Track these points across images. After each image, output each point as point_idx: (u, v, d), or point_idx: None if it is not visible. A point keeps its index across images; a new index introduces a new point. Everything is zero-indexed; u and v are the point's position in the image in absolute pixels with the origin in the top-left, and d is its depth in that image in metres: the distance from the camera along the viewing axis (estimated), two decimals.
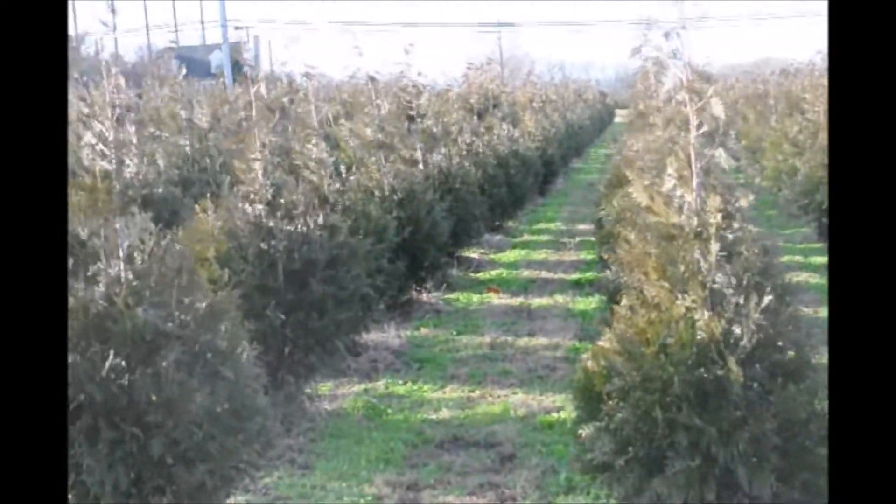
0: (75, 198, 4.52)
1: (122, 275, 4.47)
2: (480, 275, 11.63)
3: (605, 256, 8.62)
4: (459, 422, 6.46)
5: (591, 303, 9.94)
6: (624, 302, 4.45)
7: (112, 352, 4.28)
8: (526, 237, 14.74)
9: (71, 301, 4.38)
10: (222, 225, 6.04)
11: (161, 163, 10.77)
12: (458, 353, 8.18)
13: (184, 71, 13.64)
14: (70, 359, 4.21)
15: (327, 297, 6.06)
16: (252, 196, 6.25)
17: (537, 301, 10.19)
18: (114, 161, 4.58)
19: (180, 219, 9.90)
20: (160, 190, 10.07)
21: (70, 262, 4.55)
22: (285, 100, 15.16)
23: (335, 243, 6.20)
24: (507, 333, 8.81)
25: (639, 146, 9.15)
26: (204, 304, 4.57)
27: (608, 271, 8.95)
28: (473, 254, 12.61)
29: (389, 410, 6.66)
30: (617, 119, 50.65)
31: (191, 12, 56.56)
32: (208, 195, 6.55)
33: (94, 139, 4.60)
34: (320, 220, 6.21)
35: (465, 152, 12.61)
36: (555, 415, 6.51)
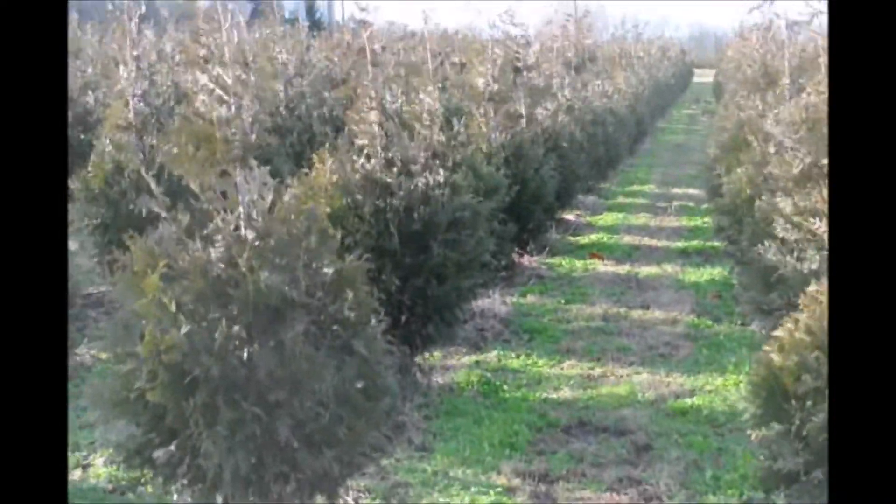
0: (189, 147, 4.02)
1: (244, 234, 3.99)
2: (579, 238, 11.04)
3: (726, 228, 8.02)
4: (583, 403, 5.92)
5: (702, 274, 9.31)
6: (813, 287, 3.85)
7: (232, 320, 3.83)
8: (620, 199, 14.08)
9: (186, 261, 3.92)
10: (337, 180, 5.51)
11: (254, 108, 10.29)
12: (569, 325, 7.63)
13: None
14: (185, 327, 3.76)
15: (448, 263, 5.52)
16: (367, 149, 5.72)
17: (645, 270, 9.58)
18: (232, 107, 4.05)
19: (280, 170, 9.46)
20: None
21: (185, 219, 4.08)
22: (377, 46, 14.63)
23: (457, 204, 5.65)
24: (619, 304, 8.23)
25: (764, 109, 8.46)
26: (331, 270, 4.07)
27: (727, 243, 8.38)
28: (569, 216, 12.02)
29: (505, 387, 6.13)
30: (696, 79, 49.33)
31: None
32: (326, 146, 6.04)
33: (210, 83, 4.08)
34: (440, 178, 5.66)
35: (564, 108, 11.97)
36: (687, 400, 5.94)
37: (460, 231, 5.63)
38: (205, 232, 4.04)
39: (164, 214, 4.13)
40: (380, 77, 6.10)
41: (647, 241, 11.08)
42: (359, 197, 5.45)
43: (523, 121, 10.06)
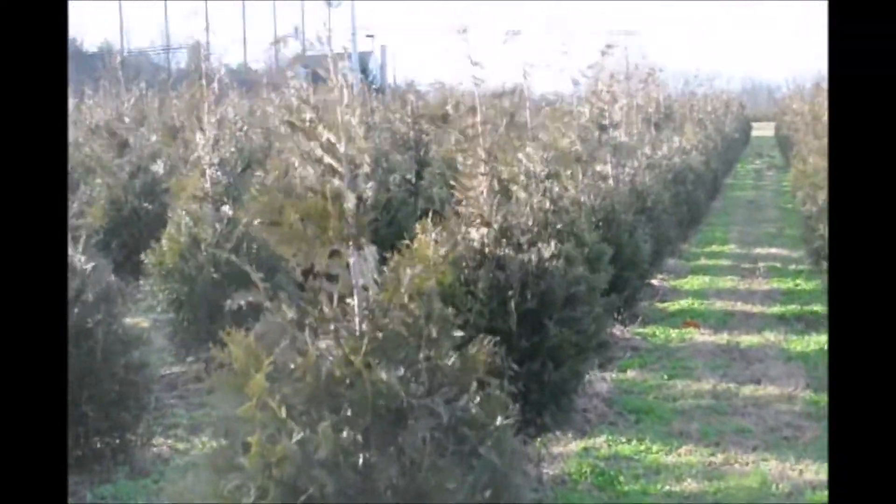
0: (297, 224, 3.56)
1: (358, 324, 3.51)
2: (668, 305, 10.45)
3: None
4: (711, 497, 5.33)
5: (808, 343, 8.68)
6: None
7: (347, 425, 3.34)
8: (703, 261, 13.46)
9: (298, 360, 3.44)
10: (446, 253, 5.03)
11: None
12: (676, 403, 7.04)
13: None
14: (295, 436, 3.28)
15: (565, 344, 5.00)
16: (476, 218, 5.24)
17: (745, 339, 8.97)
18: (346, 178, 3.59)
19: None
20: None
21: (292, 311, 3.61)
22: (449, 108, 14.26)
23: (572, 277, 5.14)
24: (726, 379, 7.63)
25: None
26: (452, 361, 3.57)
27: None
28: (654, 280, 11.43)
29: (622, 478, 5.56)
30: (754, 132, 48.60)
31: (318, 21, 56.41)
32: (429, 215, 5.57)
33: (319, 150, 3.62)
34: (552, 248, 5.16)
35: (645, 167, 11.46)
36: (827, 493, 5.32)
37: (576, 307, 5.12)
38: (311, 322, 3.57)
39: (267, 305, 3.65)
40: (480, 140, 5.65)
41: (740, 306, 10.46)
42: (469, 272, 4.96)
43: (610, 181, 9.58)
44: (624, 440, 6.21)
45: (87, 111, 18.78)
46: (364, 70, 46.34)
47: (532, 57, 7.40)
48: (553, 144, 8.91)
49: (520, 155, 6.45)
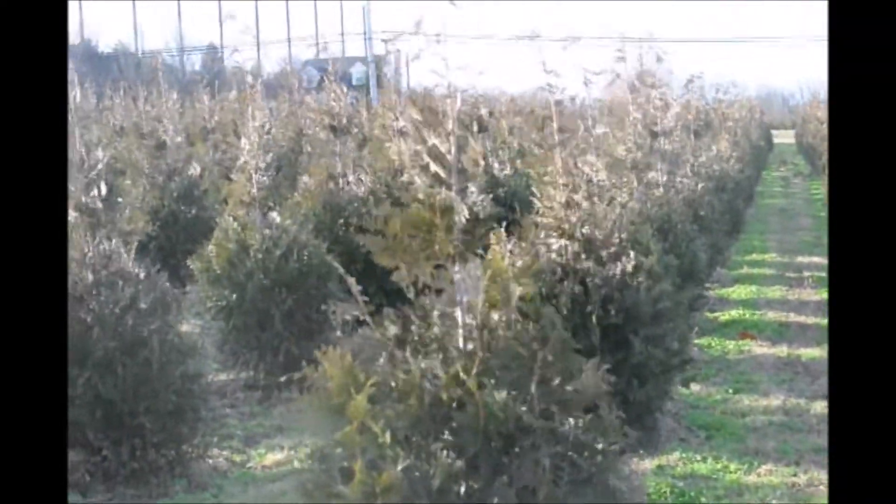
0: (402, 236, 3.32)
1: (462, 342, 3.28)
2: (718, 315, 10.18)
3: None
4: None
5: None
6: None
7: (456, 451, 3.11)
8: (745, 270, 13.18)
9: (401, 379, 3.21)
10: (524, 265, 4.78)
11: (366, 179, 9.63)
12: (746, 419, 6.77)
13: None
14: (402, 462, 3.06)
15: (651, 361, 4.75)
16: (556, 229, 5.00)
17: (806, 352, 8.69)
18: (454, 189, 3.35)
19: None
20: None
21: (395, 327, 3.37)
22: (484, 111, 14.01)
23: (657, 293, 4.90)
24: (793, 394, 7.35)
25: None
26: (570, 387, 3.33)
27: None
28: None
29: (703, 500, 5.30)
30: (776, 140, 48.21)
31: (333, 24, 56.36)
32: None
33: (426, 157, 3.38)
34: (637, 262, 4.92)
35: (690, 174, 11.20)
36: None
37: (662, 324, 4.87)
38: (418, 338, 3.34)
39: (367, 320, 3.41)
40: (558, 149, 5.41)
41: (794, 317, 10.19)
42: (550, 285, 4.72)
43: (661, 190, 9.34)
44: (699, 458, 5.94)
45: (108, 112, 18.63)
46: (378, 75, 46.04)
47: (590, 63, 7.15)
48: (609, 152, 8.68)
49: (580, 163, 6.22)
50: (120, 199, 6.06)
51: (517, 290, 3.28)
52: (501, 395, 3.05)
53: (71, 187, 5.76)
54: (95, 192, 5.83)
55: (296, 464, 6.00)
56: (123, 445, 5.55)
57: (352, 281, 3.40)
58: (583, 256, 4.93)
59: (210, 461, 5.93)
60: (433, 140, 3.33)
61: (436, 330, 3.27)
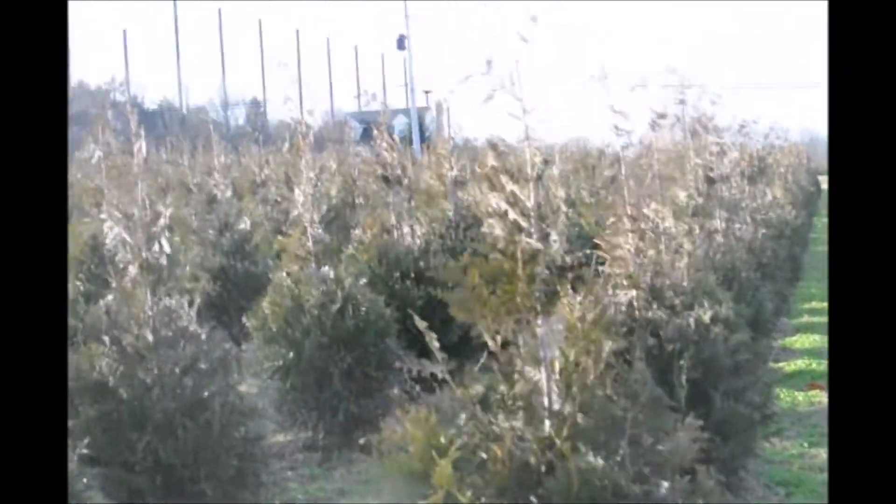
0: (481, 287, 3.17)
1: (548, 401, 3.12)
2: (783, 365, 9.89)
3: None
4: None
5: None
6: None
7: None
8: (806, 318, 12.85)
9: (489, 444, 3.04)
10: (594, 318, 4.60)
11: (419, 230, 9.50)
12: (824, 474, 6.49)
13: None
14: None
15: (733, 416, 4.54)
16: (624, 279, 4.82)
17: None
18: (534, 236, 3.20)
19: None
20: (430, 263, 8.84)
21: (480, 385, 3.21)
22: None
23: (735, 343, 4.69)
24: None
25: None
26: (663, 447, 3.14)
27: None
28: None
29: None
30: (823, 185, 47.60)
31: (374, 77, 56.77)
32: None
33: (503, 204, 3.24)
34: (714, 312, 4.72)
35: (749, 221, 10.96)
36: None
37: (741, 376, 4.66)
38: (506, 398, 3.17)
39: (447, 378, 3.26)
40: (625, 193, 5.24)
41: None
42: (622, 339, 4.52)
43: (720, 237, 9.12)
44: None
45: (154, 167, 18.71)
46: (421, 126, 46.13)
47: (655, 106, 6.99)
48: (671, 198, 8.50)
49: (646, 210, 6.05)
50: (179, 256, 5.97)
51: (608, 345, 3.11)
52: (596, 458, 2.87)
53: (129, 240, 5.71)
54: (157, 247, 5.76)
55: None
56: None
57: (432, 335, 3.25)
58: (654, 306, 4.73)
59: None
60: (511, 186, 3.19)
61: (519, 388, 3.10)
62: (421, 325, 3.18)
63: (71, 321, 8.84)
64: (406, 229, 9.11)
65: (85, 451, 4.33)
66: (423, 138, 40.85)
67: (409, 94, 49.36)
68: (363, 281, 7.64)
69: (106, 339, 5.69)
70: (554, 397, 3.03)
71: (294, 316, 7.18)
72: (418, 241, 9.07)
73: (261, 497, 5.61)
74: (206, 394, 5.51)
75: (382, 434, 3.14)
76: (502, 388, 3.12)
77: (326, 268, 7.47)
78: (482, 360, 3.33)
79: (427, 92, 49.32)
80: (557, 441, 2.93)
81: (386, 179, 9.33)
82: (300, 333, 7.12)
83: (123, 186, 6.12)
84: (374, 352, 7.21)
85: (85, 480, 4.23)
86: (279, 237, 13.06)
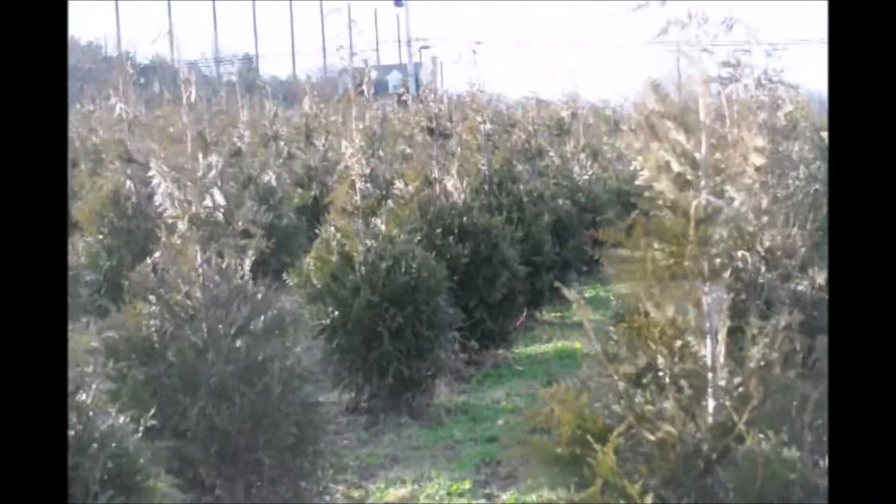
0: (651, 252, 2.77)
1: (723, 379, 2.73)
2: None
3: None
4: None
5: None
6: None
7: None
8: None
9: (659, 428, 2.66)
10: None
11: (462, 184, 9.07)
12: None
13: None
14: None
15: None
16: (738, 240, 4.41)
17: None
18: (707, 193, 2.78)
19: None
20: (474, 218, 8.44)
21: (629, 365, 2.82)
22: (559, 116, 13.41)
23: None
24: None
25: None
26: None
27: None
28: None
29: None
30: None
31: (367, 33, 55.98)
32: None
33: (669, 156, 2.81)
34: (824, 274, 4.33)
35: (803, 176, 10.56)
36: None
37: None
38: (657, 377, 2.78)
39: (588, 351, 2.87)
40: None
41: None
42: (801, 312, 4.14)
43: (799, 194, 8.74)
44: None
45: (163, 120, 18.15)
46: (417, 81, 45.59)
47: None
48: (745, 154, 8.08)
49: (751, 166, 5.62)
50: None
51: (785, 317, 2.71)
52: (788, 447, 2.48)
53: (178, 194, 5.32)
54: (209, 201, 5.36)
55: (422, 500, 5.46)
56: (238, 483, 5.04)
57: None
58: (762, 269, 4.34)
59: (327, 498, 5.39)
60: (677, 135, 2.77)
61: (684, 365, 2.71)
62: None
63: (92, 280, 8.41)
64: (449, 184, 8.68)
65: (152, 422, 3.96)
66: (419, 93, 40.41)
67: (407, 50, 48.75)
68: (413, 236, 7.24)
69: (153, 297, 5.29)
70: (728, 375, 2.64)
71: (342, 272, 6.78)
72: (462, 196, 8.64)
73: (318, 466, 5.24)
74: (261, 357, 5.13)
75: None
76: (661, 361, 2.72)
77: (379, 222, 7.06)
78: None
79: (424, 48, 48.68)
80: (736, 423, 2.54)
81: (430, 131, 8.91)
82: (347, 291, 6.72)
83: (170, 138, 5.73)
84: (425, 311, 6.83)
85: (149, 455, 3.86)
86: (299, 190, 12.68)
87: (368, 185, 7.11)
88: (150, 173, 5.52)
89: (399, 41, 50.31)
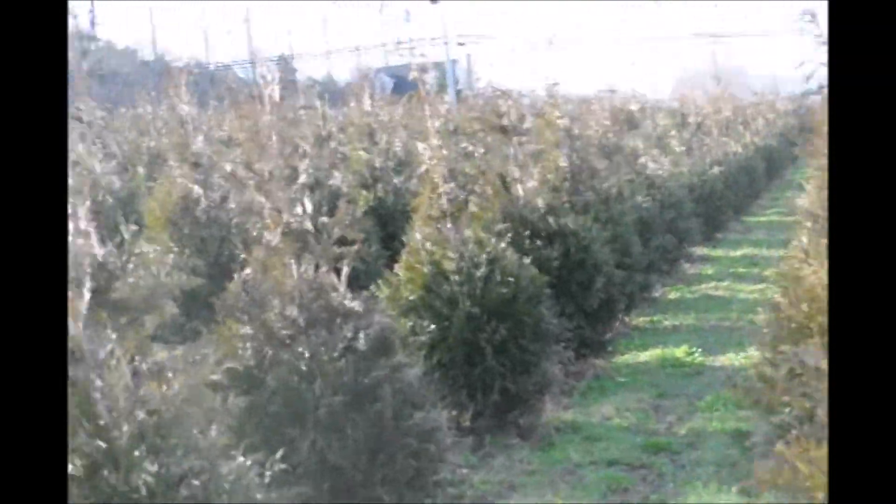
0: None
1: None
2: None
3: None
4: None
5: None
6: None
7: None
8: None
9: None
10: None
11: (542, 182, 8.55)
12: None
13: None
14: None
15: None
16: None
17: None
18: None
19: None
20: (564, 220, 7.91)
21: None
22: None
23: None
24: None
25: None
26: None
27: None
28: None
29: None
30: None
31: (399, 31, 55.82)
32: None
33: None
34: None
35: None
36: None
37: None
38: None
39: None
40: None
41: None
42: None
43: None
44: None
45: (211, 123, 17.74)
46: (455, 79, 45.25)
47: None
48: None
49: None
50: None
51: None
52: None
53: (266, 202, 4.88)
54: (300, 209, 4.90)
55: None
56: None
57: None
58: None
59: None
60: None
61: None
62: None
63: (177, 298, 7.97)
64: (530, 183, 8.15)
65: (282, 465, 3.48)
66: (457, 91, 39.97)
67: (444, 47, 48.47)
68: (504, 241, 6.71)
69: (245, 317, 4.83)
70: None
71: (436, 283, 6.27)
72: (545, 196, 8.12)
73: (438, 499, 4.73)
74: (369, 380, 4.63)
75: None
76: None
77: (468, 231, 6.55)
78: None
79: (461, 44, 48.35)
80: None
81: (504, 130, 8.39)
82: (443, 303, 6.21)
83: (254, 142, 5.28)
84: (528, 322, 6.30)
85: None
86: (363, 192, 12.19)
87: (452, 186, 6.61)
88: (219, 177, 5.09)
89: (432, 38, 50.11)
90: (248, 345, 4.72)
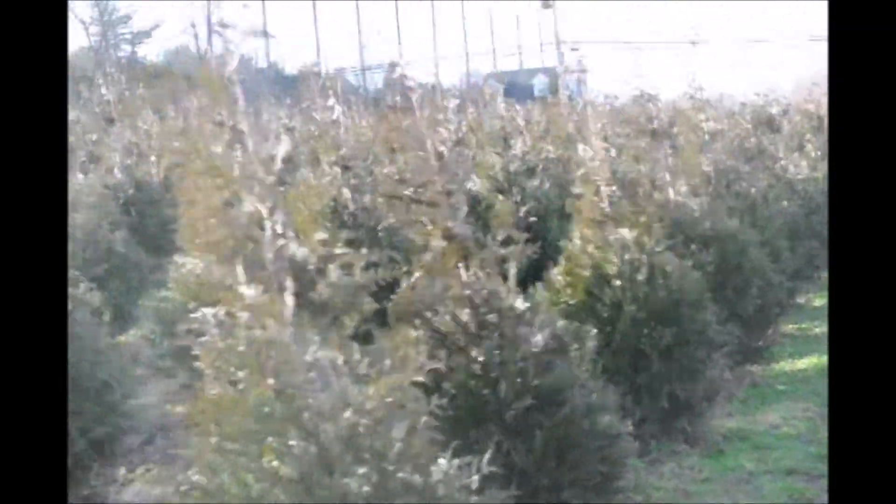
0: None
1: None
2: None
3: None
4: None
5: None
6: None
7: None
8: None
9: None
10: None
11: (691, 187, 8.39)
12: None
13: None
14: None
15: None
16: None
17: None
18: None
19: None
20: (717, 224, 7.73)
21: None
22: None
23: None
24: None
25: None
26: None
27: None
28: None
29: None
30: None
31: (508, 36, 55.65)
32: None
33: None
34: None
35: None
36: None
37: None
38: None
39: None
40: None
41: None
42: None
43: None
44: None
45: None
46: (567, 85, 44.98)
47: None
48: None
49: None
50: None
51: None
52: None
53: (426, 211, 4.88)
54: (461, 213, 4.87)
55: None
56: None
57: None
58: None
59: None
60: None
61: None
62: None
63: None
64: (683, 187, 8.00)
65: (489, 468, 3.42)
66: (569, 98, 39.73)
67: (557, 53, 48.31)
68: (663, 244, 6.57)
69: (417, 321, 4.79)
70: None
71: (598, 287, 6.16)
72: (696, 200, 7.95)
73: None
74: (551, 381, 4.56)
75: None
76: None
77: (625, 231, 6.43)
78: None
79: (574, 49, 48.06)
80: None
81: (654, 133, 8.27)
82: (607, 307, 6.11)
83: (412, 149, 5.28)
84: (692, 328, 6.15)
85: None
86: (500, 196, 12.15)
87: (615, 189, 6.51)
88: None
89: (542, 43, 50.07)
90: (422, 348, 4.70)
